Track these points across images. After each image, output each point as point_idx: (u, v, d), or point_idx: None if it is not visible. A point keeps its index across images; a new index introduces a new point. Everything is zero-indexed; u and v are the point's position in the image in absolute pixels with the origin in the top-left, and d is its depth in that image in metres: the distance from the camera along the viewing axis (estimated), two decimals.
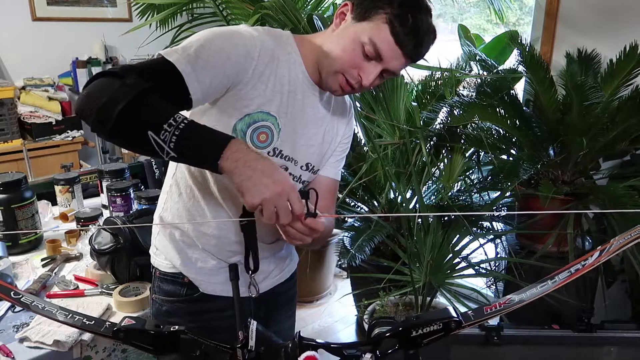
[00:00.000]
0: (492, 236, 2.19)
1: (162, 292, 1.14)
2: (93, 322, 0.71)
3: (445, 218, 2.13)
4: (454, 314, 0.69)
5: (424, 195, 2.28)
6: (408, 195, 2.33)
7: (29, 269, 1.55)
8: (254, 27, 1.00)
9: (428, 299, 2.08)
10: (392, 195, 2.41)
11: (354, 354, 0.71)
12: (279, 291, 1.21)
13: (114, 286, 1.40)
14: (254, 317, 1.15)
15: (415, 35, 0.92)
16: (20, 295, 0.73)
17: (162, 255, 1.13)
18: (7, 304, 1.30)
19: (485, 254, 2.21)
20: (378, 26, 0.92)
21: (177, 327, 0.71)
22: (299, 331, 0.73)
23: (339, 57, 0.95)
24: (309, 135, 1.06)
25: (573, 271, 0.68)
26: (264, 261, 1.14)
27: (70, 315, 0.71)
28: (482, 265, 2.17)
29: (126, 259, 1.39)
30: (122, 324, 0.70)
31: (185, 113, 0.98)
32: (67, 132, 3.26)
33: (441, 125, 2.25)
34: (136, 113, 0.80)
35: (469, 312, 0.70)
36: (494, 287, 2.29)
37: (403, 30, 0.91)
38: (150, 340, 0.70)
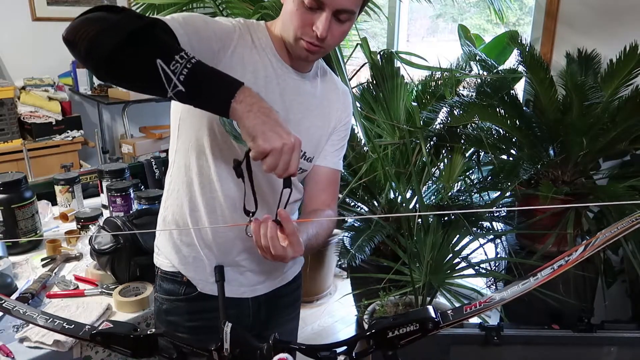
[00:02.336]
0: (492, 236, 2.19)
1: (162, 291, 1.14)
2: (72, 325, 0.72)
3: (445, 218, 2.13)
4: (433, 314, 0.68)
5: (424, 195, 2.28)
6: (408, 195, 2.33)
7: (29, 269, 1.55)
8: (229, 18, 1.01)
9: (428, 299, 2.08)
10: (392, 195, 2.41)
11: (328, 355, 0.71)
12: (281, 294, 1.20)
13: (114, 286, 1.40)
14: (254, 318, 1.16)
15: None
16: (3, 301, 0.74)
17: (163, 254, 1.14)
18: None
19: (485, 254, 2.21)
20: None
21: (154, 330, 0.72)
22: (275, 333, 0.73)
23: (290, 23, 0.94)
24: (295, 121, 1.04)
25: (556, 267, 0.67)
26: (264, 263, 1.12)
27: (50, 319, 0.73)
28: (482, 265, 2.17)
29: (126, 259, 1.39)
30: (100, 328, 0.71)
31: None
32: (67, 132, 3.26)
33: (441, 125, 2.25)
34: (146, 39, 0.75)
35: (448, 312, 0.69)
36: (494, 287, 2.29)
37: None
38: (128, 343, 0.71)
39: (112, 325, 0.72)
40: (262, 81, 0.99)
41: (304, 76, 1.06)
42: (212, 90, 0.78)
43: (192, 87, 0.76)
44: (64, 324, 0.72)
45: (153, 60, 0.74)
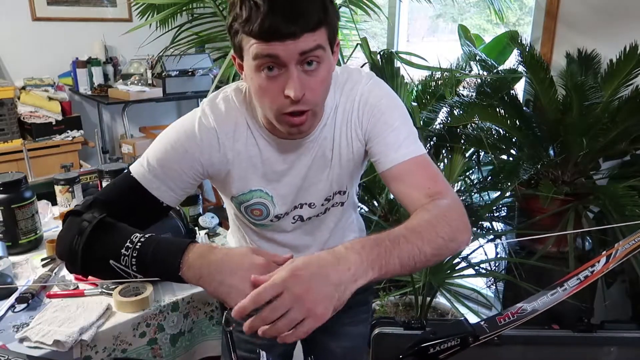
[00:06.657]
0: (492, 236, 2.19)
1: None
2: None
3: None
4: (470, 328, 0.68)
5: None
6: None
7: (29, 269, 1.55)
8: (204, 112, 0.91)
9: (428, 299, 2.08)
10: (392, 196, 2.41)
11: None
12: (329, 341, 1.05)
13: (114, 286, 1.40)
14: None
15: (270, 12, 0.72)
16: None
17: None
18: (7, 303, 1.30)
19: (485, 254, 2.21)
20: (248, 43, 0.77)
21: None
22: (311, 356, 0.72)
23: (263, 104, 0.82)
24: (312, 179, 0.99)
25: (582, 278, 0.69)
26: None
27: None
28: (482, 265, 2.17)
29: None
30: None
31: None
32: (67, 132, 3.26)
33: (441, 125, 2.25)
34: (93, 251, 0.81)
35: (482, 324, 0.69)
36: (494, 287, 2.29)
37: (256, 23, 0.73)
38: None
39: None
40: (259, 166, 0.94)
41: (313, 134, 0.93)
42: (161, 267, 0.78)
43: (145, 272, 0.79)
44: None
45: (108, 264, 0.80)
